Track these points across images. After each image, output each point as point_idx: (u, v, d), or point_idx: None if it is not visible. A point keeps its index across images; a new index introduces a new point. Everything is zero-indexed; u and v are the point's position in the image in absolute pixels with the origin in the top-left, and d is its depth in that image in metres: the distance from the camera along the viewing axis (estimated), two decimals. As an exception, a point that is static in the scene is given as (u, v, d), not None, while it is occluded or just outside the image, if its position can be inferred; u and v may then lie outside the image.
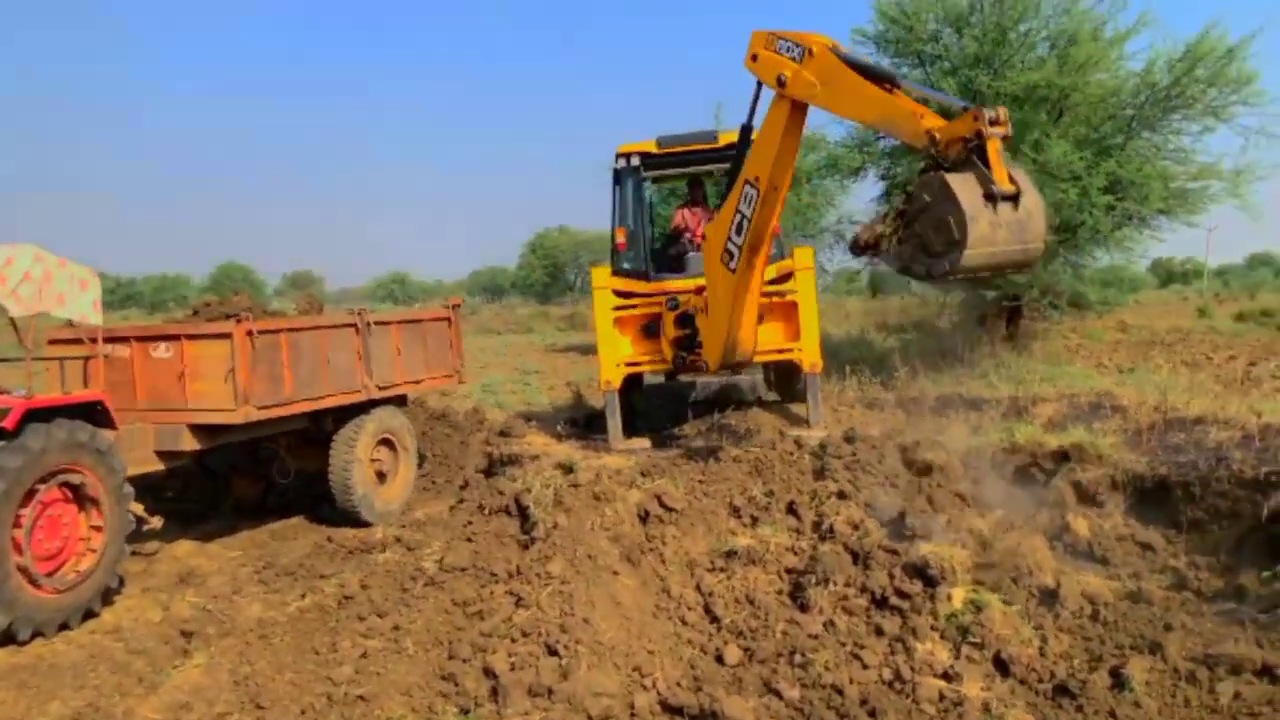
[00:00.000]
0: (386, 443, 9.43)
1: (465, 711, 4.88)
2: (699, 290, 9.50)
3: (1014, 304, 16.60)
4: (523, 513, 6.44)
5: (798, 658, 5.20)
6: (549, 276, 69.53)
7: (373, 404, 9.20)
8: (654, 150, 10.47)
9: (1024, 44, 15.03)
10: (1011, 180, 5.97)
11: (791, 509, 6.75)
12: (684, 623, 5.84)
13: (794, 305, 9.90)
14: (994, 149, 6.04)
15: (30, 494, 6.25)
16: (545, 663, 5.05)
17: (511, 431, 10.84)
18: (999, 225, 6.05)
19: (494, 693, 4.98)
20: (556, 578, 5.66)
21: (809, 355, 9.77)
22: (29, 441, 6.18)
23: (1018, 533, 6.42)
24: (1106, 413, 9.39)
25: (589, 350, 27.88)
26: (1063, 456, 8.03)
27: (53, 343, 7.86)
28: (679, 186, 14.77)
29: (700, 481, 7.15)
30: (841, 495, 6.77)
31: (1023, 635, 5.19)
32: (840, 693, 4.83)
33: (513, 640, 5.32)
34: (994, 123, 6.04)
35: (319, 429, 8.97)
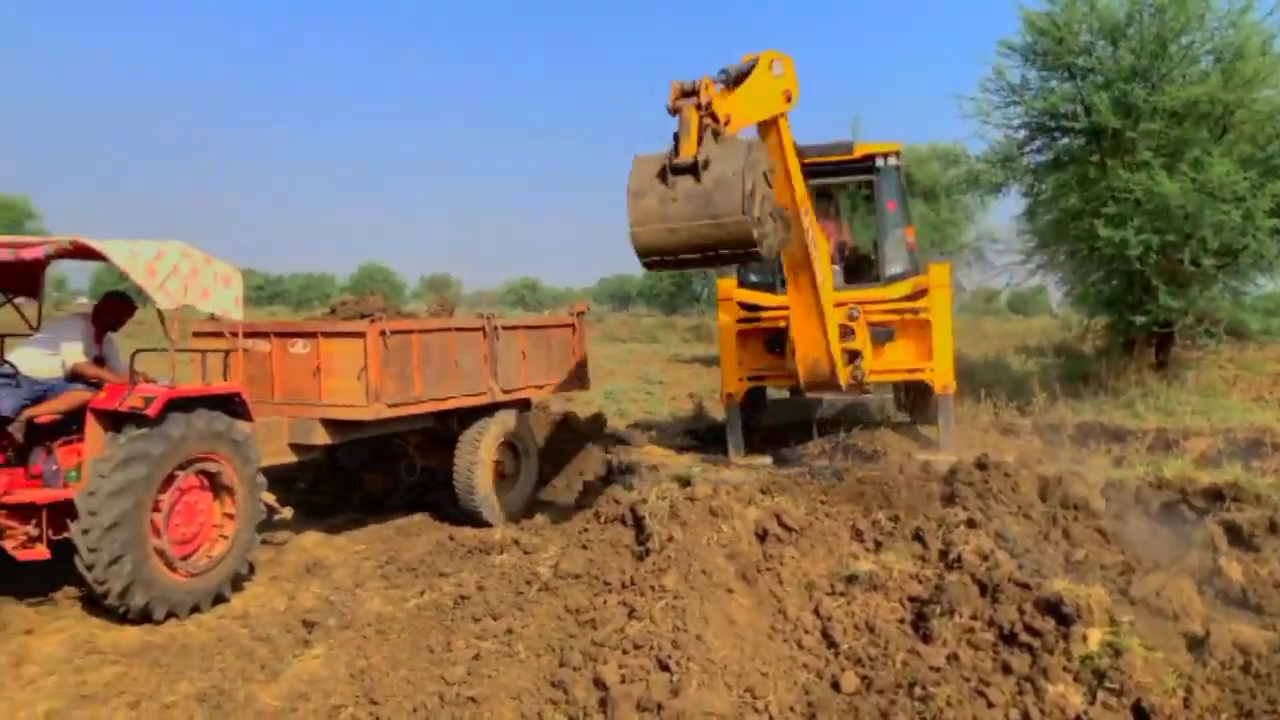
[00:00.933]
0: (509, 445, 9.53)
1: (573, 721, 4.82)
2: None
3: (1165, 330, 15.74)
4: (638, 523, 6.37)
5: (918, 690, 4.97)
6: (676, 287, 69.53)
7: (497, 407, 9.31)
8: None
9: (1185, 57, 14.27)
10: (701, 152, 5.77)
11: (917, 535, 6.49)
12: (800, 646, 5.65)
13: (926, 323, 9.62)
14: (682, 120, 5.87)
15: (169, 480, 6.52)
16: (656, 677, 4.96)
17: (631, 440, 10.85)
18: (671, 200, 5.83)
19: (603, 704, 4.91)
20: (670, 591, 5.56)
21: (941, 376, 9.47)
22: (170, 429, 6.44)
23: (1163, 573, 6.01)
24: (1266, 450, 8.77)
25: (713, 362, 27.74)
26: (1216, 495, 7.52)
27: (196, 335, 8.21)
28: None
29: (822, 502, 6.95)
30: (971, 524, 6.48)
31: (1166, 684, 4.83)
32: (962, 731, 4.59)
33: (624, 652, 5.24)
34: (686, 93, 5.90)
35: (445, 429, 9.13)
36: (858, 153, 10.39)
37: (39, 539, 6.42)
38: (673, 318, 56.44)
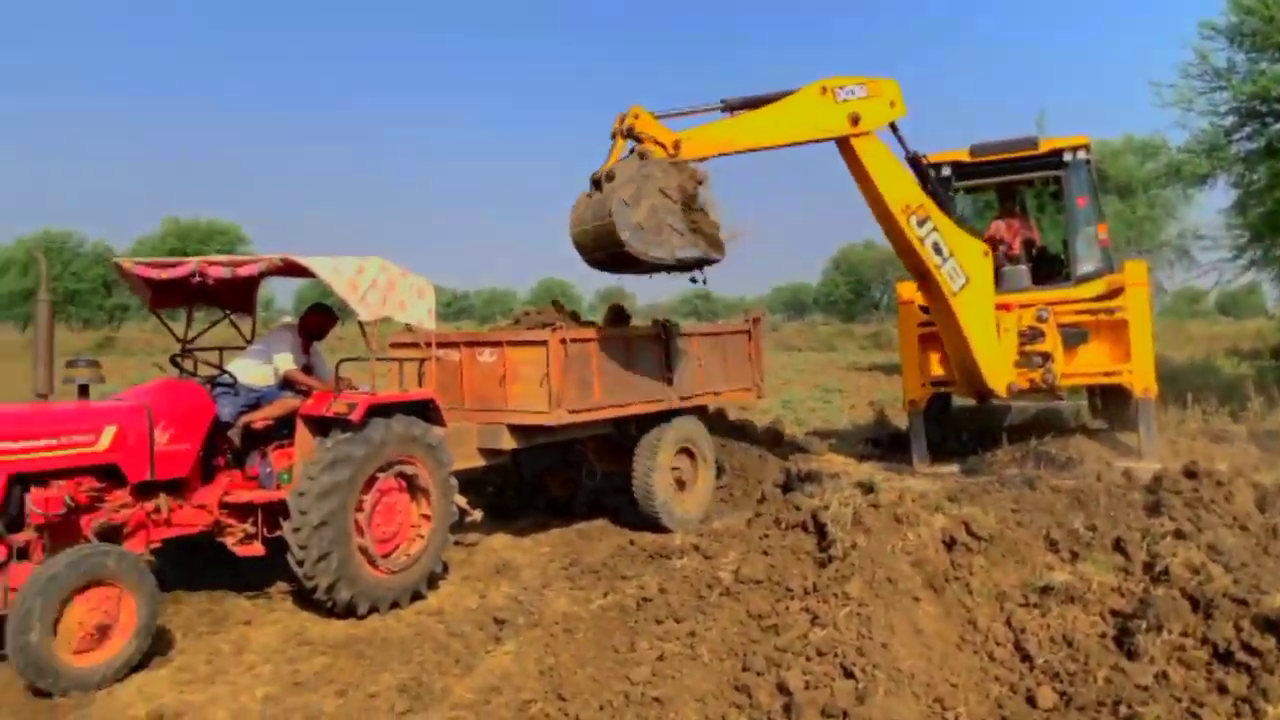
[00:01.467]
0: (686, 452, 9.60)
1: (757, 725, 4.81)
2: (1013, 307, 8.97)
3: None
4: (820, 530, 6.30)
5: (1123, 709, 4.70)
6: (853, 293, 68.46)
7: (674, 413, 9.40)
8: (966, 159, 10.02)
9: None
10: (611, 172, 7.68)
11: (1119, 546, 6.15)
12: (991, 658, 5.45)
13: (1123, 323, 9.13)
14: (614, 146, 8.01)
15: (371, 481, 6.90)
16: (841, 684, 4.88)
17: (810, 448, 10.73)
18: (587, 207, 7.79)
19: (787, 709, 4.88)
20: (854, 599, 5.47)
21: (1141, 379, 8.95)
22: (372, 434, 6.83)
23: (1403, 592, 5.47)
24: None
25: (893, 370, 27.11)
26: None
27: (393, 345, 8.66)
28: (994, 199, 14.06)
29: (1014, 510, 6.68)
30: (1179, 535, 6.09)
31: (1404, 710, 4.41)
32: (1173, 754, 4.32)
33: (807, 658, 5.19)
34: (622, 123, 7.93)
35: (623, 435, 9.29)
36: (1043, 148, 9.96)
37: (255, 536, 6.92)
38: (850, 325, 55.58)
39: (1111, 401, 10.38)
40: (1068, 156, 9.91)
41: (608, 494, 10.22)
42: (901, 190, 8.97)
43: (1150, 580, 5.74)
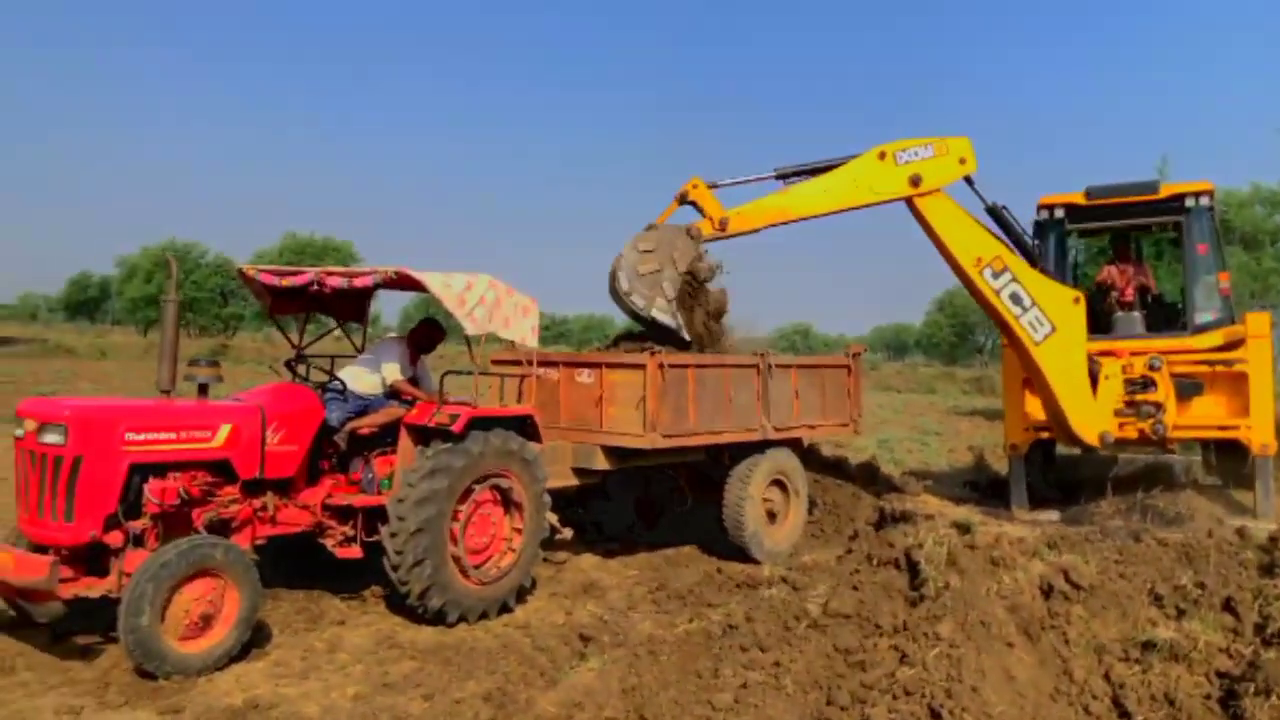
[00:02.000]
0: (779, 484, 9.55)
1: (839, 761, 4.75)
2: (1123, 354, 8.73)
3: None
4: (912, 569, 6.20)
5: (1227, 775, 4.51)
6: (956, 336, 67.05)
7: (768, 444, 9.36)
8: (1081, 202, 9.81)
9: None
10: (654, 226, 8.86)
11: (1228, 606, 5.89)
12: (1087, 711, 5.28)
13: (1242, 376, 8.78)
14: (672, 206, 9.18)
15: (467, 492, 7.05)
16: (927, 726, 4.79)
17: (906, 488, 10.56)
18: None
19: (870, 747, 4.81)
20: (945, 640, 5.37)
21: (1259, 434, 8.59)
22: (471, 445, 6.98)
23: None
24: None
25: (994, 416, 26.47)
26: None
27: (495, 362, 8.85)
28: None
29: (1117, 562, 6.46)
30: (1294, 597, 5.80)
31: None
32: (1280, 825, 4.11)
33: (894, 696, 5.10)
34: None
35: (716, 463, 9.29)
36: (1164, 192, 9.69)
37: (355, 540, 7.12)
38: (952, 368, 54.45)
39: (1226, 457, 9.97)
40: (1189, 202, 9.62)
41: (696, 521, 10.21)
42: (971, 244, 9.22)
43: (1261, 642, 5.49)
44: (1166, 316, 10.28)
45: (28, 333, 53.29)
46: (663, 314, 8.59)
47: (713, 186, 8.99)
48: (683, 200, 8.99)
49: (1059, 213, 9.78)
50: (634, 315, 8.72)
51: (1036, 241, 9.92)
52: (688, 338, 8.84)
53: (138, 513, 6.14)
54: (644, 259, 8.62)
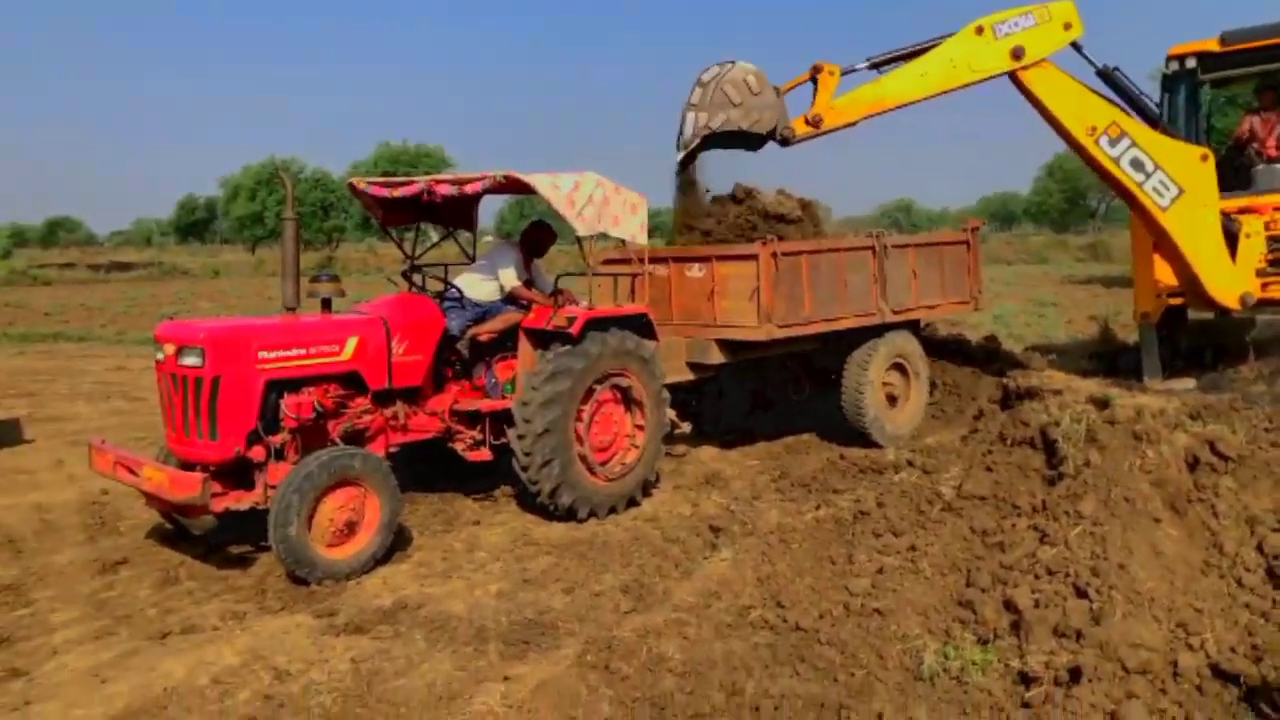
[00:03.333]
0: (898, 367, 9.39)
1: (984, 642, 4.73)
2: (1266, 210, 8.22)
3: None
4: (1049, 447, 6.04)
5: (1394, 643, 4.34)
6: (1067, 203, 64.41)
7: (887, 328, 9.18)
8: (1216, 49, 9.14)
9: None
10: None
11: (1390, 470, 5.61)
12: (1240, 584, 5.12)
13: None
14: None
15: (589, 393, 7.11)
16: (1073, 604, 4.72)
17: (1029, 364, 10.27)
18: None
19: (1015, 627, 4.77)
20: (1088, 518, 5.24)
21: None
22: (589, 347, 7.01)
23: None
24: None
25: (1113, 283, 25.50)
26: None
27: (606, 262, 8.81)
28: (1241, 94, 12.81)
29: (1266, 430, 6.19)
30: None
31: None
32: None
33: (1036, 576, 5.03)
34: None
35: (834, 350, 9.16)
36: None
37: (483, 443, 7.28)
38: (1064, 236, 52.48)
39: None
40: None
41: (813, 409, 10.15)
42: (1083, 113, 8.80)
43: None
44: (1313, 169, 9.62)
45: (144, 257, 55.47)
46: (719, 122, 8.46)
47: (847, 73, 8.72)
48: (812, 75, 8.73)
49: (1191, 63, 9.14)
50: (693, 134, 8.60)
51: (1166, 96, 9.32)
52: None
53: (276, 428, 6.37)
54: (734, 96, 8.41)
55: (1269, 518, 5.50)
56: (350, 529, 6.18)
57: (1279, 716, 3.96)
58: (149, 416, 10.48)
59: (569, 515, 7.08)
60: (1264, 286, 8.78)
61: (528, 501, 7.34)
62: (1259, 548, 5.35)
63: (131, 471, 6.21)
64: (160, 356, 6.44)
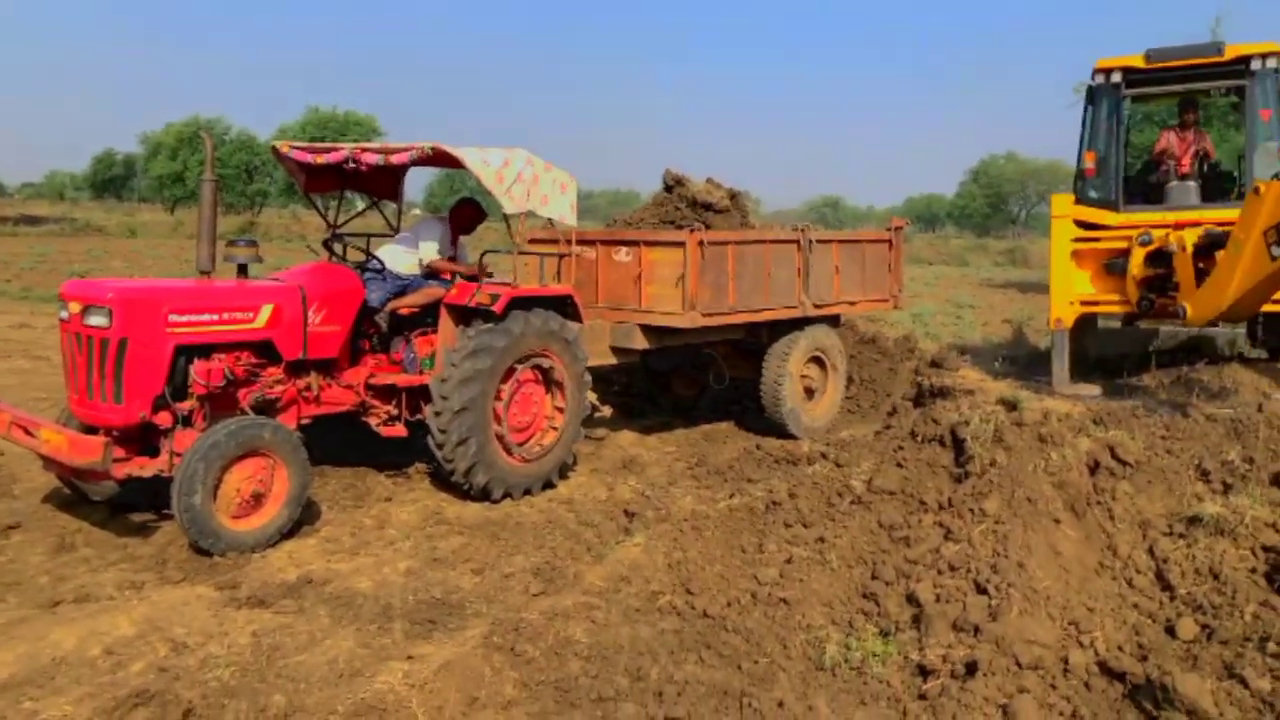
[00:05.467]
0: (817, 360, 9.52)
1: (885, 634, 4.83)
2: (1177, 225, 8.47)
3: None
4: (958, 445, 6.18)
5: (1271, 646, 4.53)
6: (990, 207, 65.98)
7: (807, 321, 9.29)
8: (1140, 65, 9.39)
9: None
10: None
11: (1277, 481, 5.86)
12: (1130, 585, 5.31)
13: (1298, 248, 8.49)
14: None
15: (509, 372, 7.06)
16: (973, 600, 4.84)
17: (944, 363, 10.47)
18: None
19: (916, 620, 4.88)
20: (991, 516, 5.38)
21: (1312, 307, 8.38)
22: (512, 325, 6.96)
23: None
24: None
25: (1029, 288, 26.16)
26: None
27: (533, 241, 8.74)
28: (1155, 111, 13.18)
29: (1163, 438, 6.41)
30: (1344, 472, 5.75)
31: None
32: (1325, 696, 4.15)
33: (939, 572, 5.15)
34: None
35: (755, 340, 9.24)
36: (1229, 54, 9.25)
37: (399, 419, 7.19)
38: (984, 240, 53.64)
39: (1274, 330, 9.79)
40: (1255, 65, 9.17)
41: (733, 399, 10.24)
42: None
43: (1310, 518, 5.46)
44: (1223, 186, 9.96)
45: (56, 211, 53.48)
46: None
47: None
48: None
49: (1116, 77, 9.38)
50: None
51: (1089, 109, 9.55)
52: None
53: (185, 394, 6.19)
54: None
55: (1161, 522, 5.71)
56: (257, 501, 6.04)
57: (1159, 713, 4.11)
58: (51, 377, 10.12)
59: (483, 495, 7.03)
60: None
61: (442, 480, 7.26)
62: (1150, 551, 5.55)
63: (28, 433, 5.98)
64: (64, 315, 6.20)
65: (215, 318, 6.28)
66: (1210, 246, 7.87)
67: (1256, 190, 7.01)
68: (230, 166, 53.44)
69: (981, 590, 4.94)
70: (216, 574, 5.62)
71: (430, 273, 7.49)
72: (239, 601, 5.22)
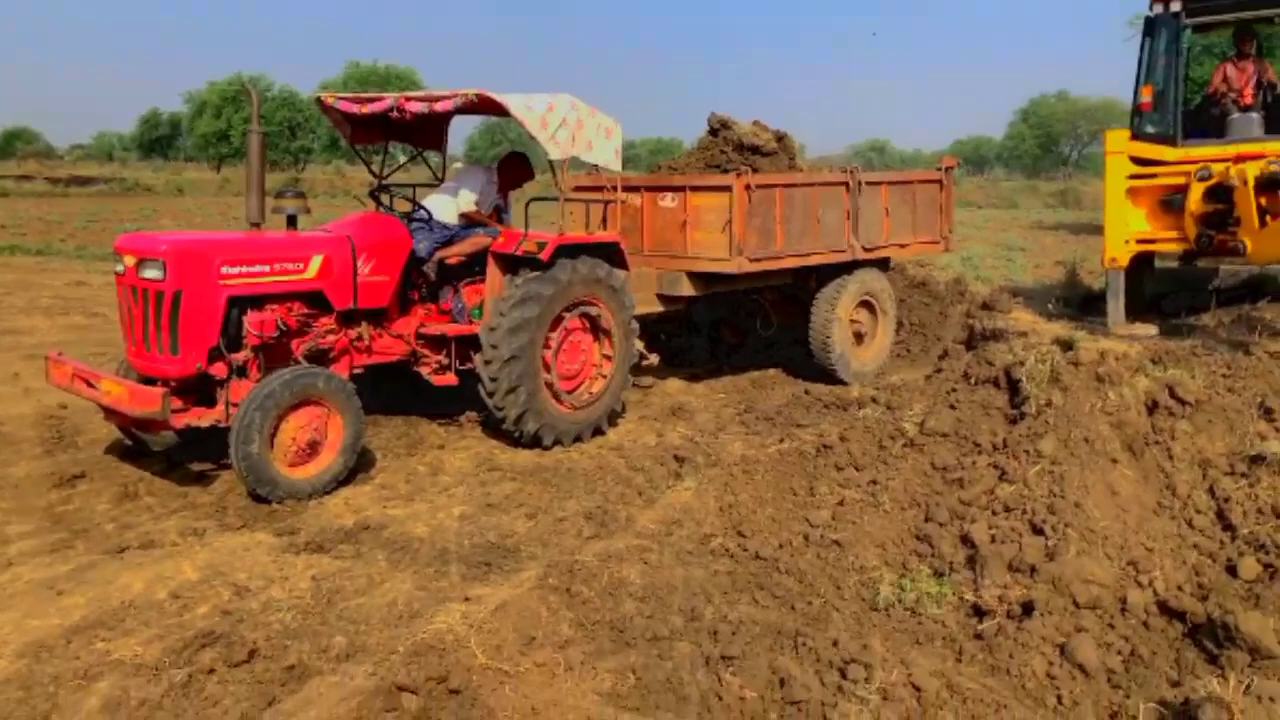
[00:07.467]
0: (866, 305, 9.42)
1: (939, 574, 4.81)
2: (1239, 159, 8.20)
3: None
4: (1013, 386, 6.09)
5: (1336, 585, 4.46)
6: (1040, 148, 64.59)
7: (856, 265, 9.18)
8: None
9: None
10: None
11: (1342, 417, 5.72)
12: (1190, 525, 5.23)
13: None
14: None
15: (558, 320, 7.06)
16: (1029, 540, 4.80)
17: (996, 305, 10.30)
18: None
19: (970, 561, 4.85)
20: (1047, 457, 5.31)
21: (1380, 240, 8.09)
22: (559, 273, 6.95)
23: None
24: None
25: (1081, 230, 25.64)
26: None
27: (578, 189, 8.69)
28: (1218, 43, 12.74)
29: (1224, 376, 6.27)
30: None
31: None
32: (1390, 632, 4.08)
33: (994, 513, 5.11)
34: None
35: (803, 285, 9.15)
36: None
37: (449, 368, 7.24)
38: (1035, 181, 52.59)
39: (1338, 266, 9.50)
40: None
41: (780, 344, 10.18)
42: None
43: (1377, 455, 5.34)
44: (1288, 117, 9.63)
45: (105, 172, 54.22)
46: None
47: None
48: None
49: (1175, 5, 9.06)
50: None
51: (1147, 40, 9.24)
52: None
53: (239, 345, 6.28)
54: None
55: (1221, 461, 5.61)
56: (313, 449, 6.14)
57: (1220, 652, 4.06)
58: (108, 332, 10.32)
59: (534, 442, 7.08)
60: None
61: (493, 427, 7.32)
62: (1210, 491, 5.45)
63: (90, 385, 6.11)
64: (120, 269, 6.30)
65: (267, 269, 6.34)
66: (1273, 181, 7.62)
67: None
68: (274, 123, 53.75)
69: (1038, 531, 4.89)
70: (275, 520, 5.74)
71: (472, 222, 7.49)
72: (298, 547, 5.32)
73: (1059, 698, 3.91)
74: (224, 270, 6.15)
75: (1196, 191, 8.36)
